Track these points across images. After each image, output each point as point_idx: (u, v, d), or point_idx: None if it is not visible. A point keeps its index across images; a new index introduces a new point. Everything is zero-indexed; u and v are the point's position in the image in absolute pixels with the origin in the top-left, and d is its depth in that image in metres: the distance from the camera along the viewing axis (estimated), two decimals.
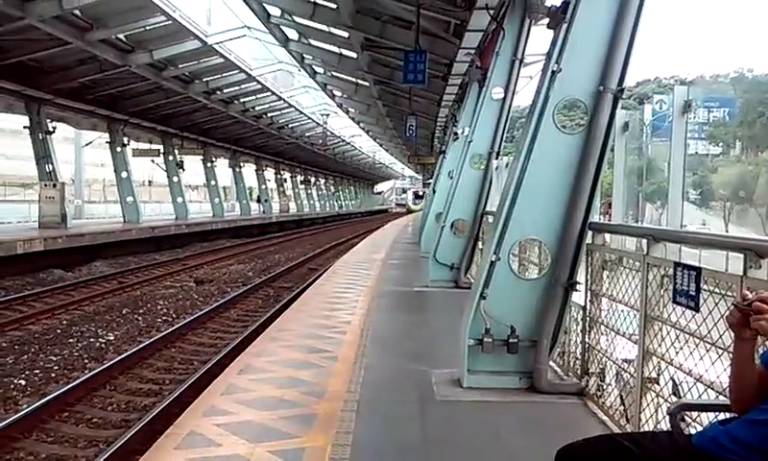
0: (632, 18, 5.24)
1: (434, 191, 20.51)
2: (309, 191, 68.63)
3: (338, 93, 30.97)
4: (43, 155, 24.45)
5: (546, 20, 5.83)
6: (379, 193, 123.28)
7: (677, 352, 3.97)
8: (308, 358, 6.65)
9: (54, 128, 24.85)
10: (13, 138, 43.72)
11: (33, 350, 10.83)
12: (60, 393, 8.24)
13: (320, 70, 26.14)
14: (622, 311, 4.84)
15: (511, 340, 5.44)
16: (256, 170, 51.96)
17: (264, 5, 17.37)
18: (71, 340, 11.64)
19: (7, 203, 31.95)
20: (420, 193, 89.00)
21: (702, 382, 3.58)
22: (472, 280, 11.04)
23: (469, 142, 11.37)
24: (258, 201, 49.15)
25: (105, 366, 9.57)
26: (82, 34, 18.02)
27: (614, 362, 5.03)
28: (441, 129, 28.68)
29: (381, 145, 56.41)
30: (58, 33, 17.26)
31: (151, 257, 25.15)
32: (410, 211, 74.60)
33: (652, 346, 4.24)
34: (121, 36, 19.60)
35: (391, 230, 31.52)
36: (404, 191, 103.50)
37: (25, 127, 24.45)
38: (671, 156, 6.25)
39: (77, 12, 16.97)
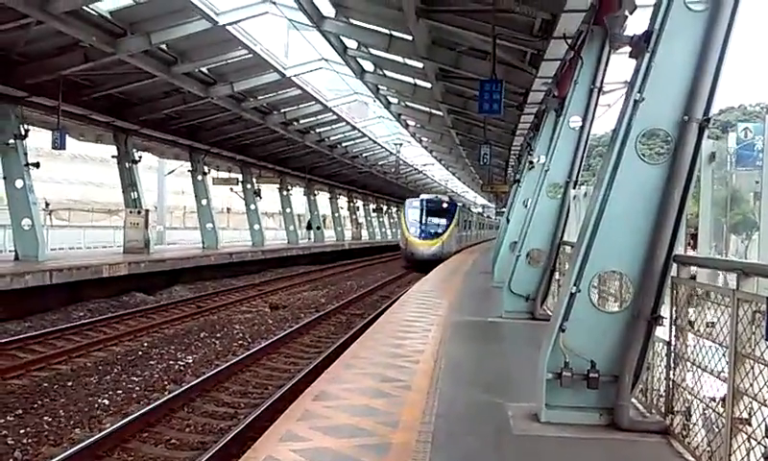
0: (718, 47, 5.10)
1: (508, 220, 20.29)
2: (381, 219, 69.03)
3: (411, 123, 31.19)
4: (129, 183, 25.54)
5: (627, 49, 5.72)
6: None
7: None
8: (382, 387, 6.64)
9: (140, 157, 25.93)
10: (100, 166, 45.94)
11: (116, 370, 11.24)
12: (141, 413, 8.51)
13: (394, 100, 26.43)
14: (710, 348, 4.64)
15: (591, 375, 5.29)
16: (330, 198, 52.74)
17: (341, 37, 17.74)
18: (152, 362, 12.02)
19: (94, 228, 33.37)
20: (443, 211, 36.93)
21: None
22: (549, 312, 10.84)
23: (546, 171, 11.21)
24: (309, 227, 48.60)
25: (183, 388, 9.85)
26: (167, 67, 18.84)
27: (701, 400, 4.82)
28: (515, 157, 28.45)
29: (454, 174, 56.28)
30: (145, 67, 18.11)
31: (228, 283, 25.79)
32: (412, 259, 35.03)
33: (743, 385, 4.05)
34: (204, 69, 20.37)
35: (463, 259, 31.27)
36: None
37: (113, 156, 25.60)
38: (762, 185, 6.00)
39: (163, 46, 17.77)
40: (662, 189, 5.24)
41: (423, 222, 35.86)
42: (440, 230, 35.48)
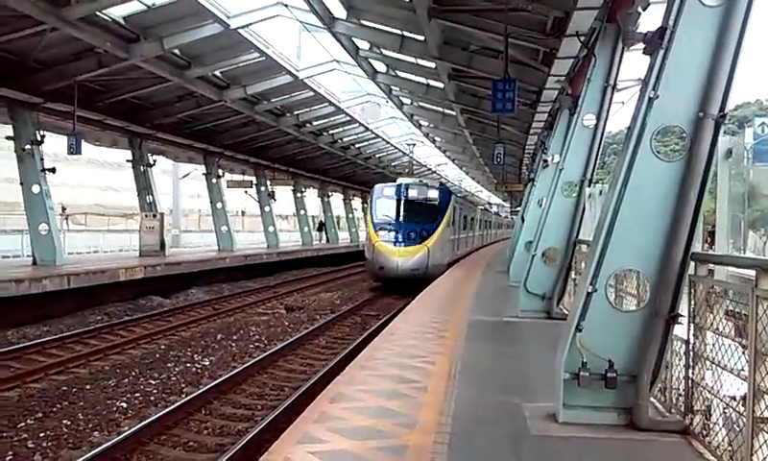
0: (733, 41, 5.06)
1: (523, 219, 20.23)
2: None
3: (424, 123, 31.20)
4: (144, 186, 25.74)
5: (641, 46, 5.68)
6: None
7: None
8: (398, 388, 6.64)
9: (154, 161, 26.10)
10: (115, 171, 46.31)
11: (133, 373, 11.31)
12: (159, 416, 8.55)
13: (407, 101, 26.44)
14: (729, 346, 4.60)
15: (609, 374, 5.25)
16: (344, 199, 52.84)
17: (353, 39, 17.76)
18: (169, 364, 12.08)
19: (110, 232, 33.62)
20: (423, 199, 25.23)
21: None
22: (565, 311, 10.79)
23: (561, 170, 11.17)
24: (320, 229, 48.60)
25: (200, 391, 9.88)
26: (181, 71, 18.96)
27: (722, 400, 4.77)
28: (529, 156, 28.38)
29: (467, 173, 56.16)
30: (159, 71, 18.25)
31: (243, 285, 25.90)
32: (381, 275, 24.36)
33: (764, 383, 4.00)
34: (217, 72, 20.48)
35: (478, 259, 31.18)
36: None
37: (128, 160, 25.81)
38: None
39: (176, 51, 17.87)
40: (678, 186, 5.20)
41: (400, 219, 24.23)
42: (424, 232, 23.86)
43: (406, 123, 32.55)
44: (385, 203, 24.81)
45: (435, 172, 53.79)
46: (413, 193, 24.89)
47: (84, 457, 7.01)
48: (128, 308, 18.57)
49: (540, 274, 11.48)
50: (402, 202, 24.51)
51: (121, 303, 18.82)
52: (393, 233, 23.81)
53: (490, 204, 73.52)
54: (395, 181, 26.67)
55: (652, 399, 5.52)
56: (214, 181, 30.93)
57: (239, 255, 28.44)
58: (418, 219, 24.18)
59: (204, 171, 30.85)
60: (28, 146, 19.00)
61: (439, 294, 15.90)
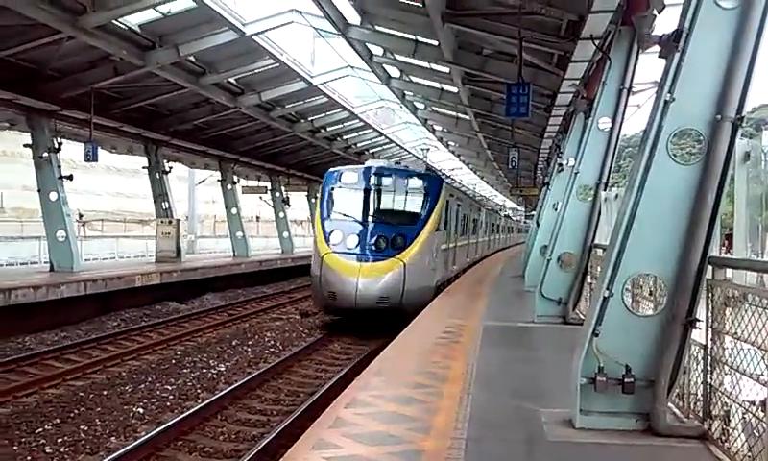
0: (750, 43, 5.00)
1: (537, 224, 20.13)
2: None
3: (438, 127, 31.16)
4: (160, 193, 25.92)
5: (657, 48, 5.64)
6: None
7: None
8: (413, 393, 6.62)
9: (170, 168, 26.28)
10: (132, 178, 46.69)
11: (150, 379, 11.37)
12: (175, 422, 8.60)
13: (420, 106, 26.44)
14: (748, 350, 4.54)
15: (626, 379, 5.20)
16: None
17: (367, 45, 17.78)
18: (185, 370, 12.13)
19: (126, 238, 33.86)
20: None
21: None
22: (581, 316, 10.72)
23: (576, 173, 11.10)
24: None
25: (216, 396, 9.92)
26: (196, 78, 19.08)
27: (740, 405, 4.72)
28: (544, 160, 28.25)
29: (482, 177, 55.98)
30: (174, 78, 18.38)
31: (258, 290, 26.01)
32: (331, 304, 15.84)
33: None
34: (232, 79, 20.58)
35: (491, 264, 31.07)
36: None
37: (144, 167, 25.99)
38: None
39: (192, 58, 17.99)
40: (695, 190, 5.15)
41: (366, 219, 16.49)
42: (400, 239, 16.01)
43: (420, 128, 32.57)
44: (343, 194, 17.02)
45: (449, 176, 53.67)
46: (386, 181, 17.17)
47: None
48: (144, 314, 18.69)
49: (555, 278, 11.39)
50: (370, 193, 16.88)
51: (137, 309, 18.94)
52: (351, 241, 15.94)
53: (503, 207, 73.20)
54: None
55: (670, 404, 5.46)
56: (229, 187, 31.08)
57: (254, 261, 28.56)
58: (390, 219, 16.67)
59: (220, 177, 31.01)
60: (45, 154, 19.19)
61: (452, 299, 15.84)
